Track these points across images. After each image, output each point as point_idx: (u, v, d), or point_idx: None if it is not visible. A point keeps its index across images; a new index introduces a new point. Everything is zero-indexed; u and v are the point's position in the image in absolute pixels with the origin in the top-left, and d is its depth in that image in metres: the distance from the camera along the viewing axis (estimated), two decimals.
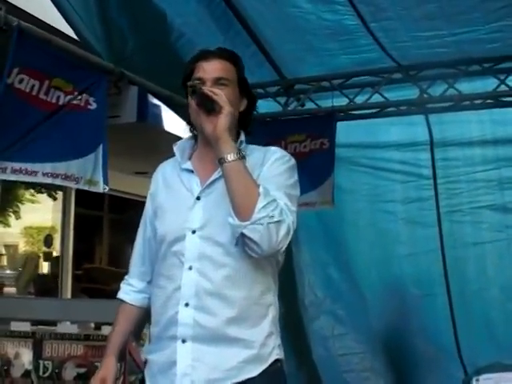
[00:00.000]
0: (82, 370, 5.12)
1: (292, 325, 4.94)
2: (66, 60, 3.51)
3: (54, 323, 4.91)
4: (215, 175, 2.26)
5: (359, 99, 4.75)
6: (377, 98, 4.68)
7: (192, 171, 2.35)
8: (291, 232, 2.13)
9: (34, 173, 3.43)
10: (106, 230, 9.70)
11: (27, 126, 3.38)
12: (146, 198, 2.49)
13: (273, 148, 2.36)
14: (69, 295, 8.12)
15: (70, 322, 5.39)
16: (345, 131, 4.92)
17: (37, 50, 3.29)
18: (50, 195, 10.56)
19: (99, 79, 3.67)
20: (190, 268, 2.21)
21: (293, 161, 2.33)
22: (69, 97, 3.56)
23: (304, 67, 4.60)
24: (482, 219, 4.91)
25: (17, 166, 3.35)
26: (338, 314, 5.18)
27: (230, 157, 2.11)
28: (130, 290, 2.50)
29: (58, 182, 3.56)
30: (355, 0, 3.74)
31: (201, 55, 2.34)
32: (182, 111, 4.65)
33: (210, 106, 2.15)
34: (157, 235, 2.36)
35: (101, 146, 3.62)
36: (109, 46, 3.83)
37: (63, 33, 4.20)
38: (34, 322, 4.82)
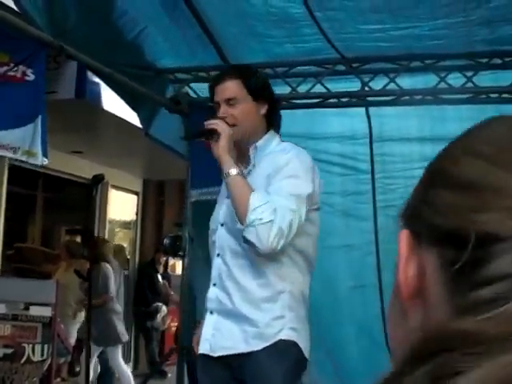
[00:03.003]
0: (9, 351, 5.02)
1: None
2: (2, 30, 3.38)
3: None
4: None
5: (302, 89, 4.75)
6: (319, 88, 4.69)
7: None
8: (285, 231, 2.48)
9: None
10: (39, 210, 9.44)
11: None
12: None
13: (281, 152, 2.77)
14: None
15: None
16: (287, 121, 4.89)
17: None
18: None
19: (38, 50, 3.55)
20: (218, 255, 2.78)
21: (297, 161, 2.69)
22: (5, 68, 3.46)
23: (248, 53, 4.55)
24: None
25: None
26: None
27: (231, 172, 2.60)
28: None
29: None
30: None
31: (214, 79, 2.89)
32: (121, 90, 4.57)
33: (211, 137, 2.67)
34: None
35: (39, 118, 3.49)
36: (49, 19, 3.69)
37: (1, 2, 4.06)
38: None
